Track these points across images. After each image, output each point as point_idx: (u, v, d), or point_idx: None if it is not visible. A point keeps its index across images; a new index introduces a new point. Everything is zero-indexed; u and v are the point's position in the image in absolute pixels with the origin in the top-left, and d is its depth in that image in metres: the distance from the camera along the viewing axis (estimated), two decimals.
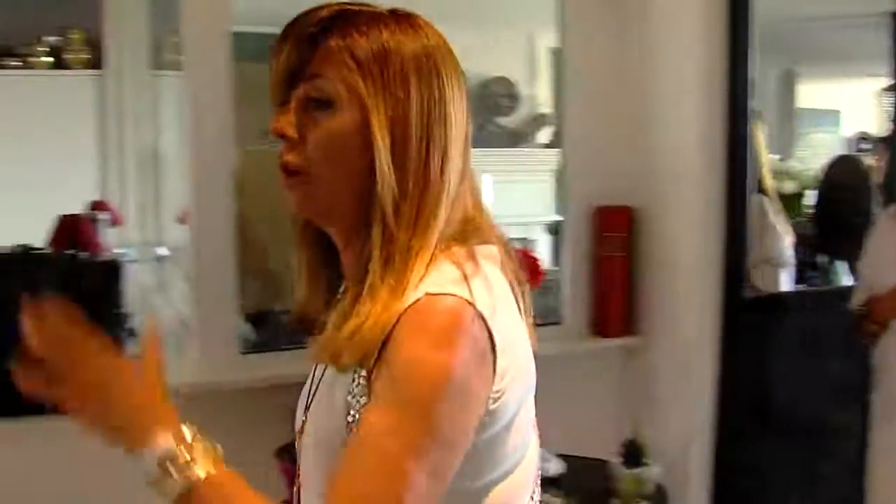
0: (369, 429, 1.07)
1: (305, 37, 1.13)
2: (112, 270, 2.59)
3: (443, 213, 1.14)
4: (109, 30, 4.99)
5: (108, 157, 4.96)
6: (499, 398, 1.11)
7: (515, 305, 1.21)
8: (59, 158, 5.01)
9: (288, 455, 1.94)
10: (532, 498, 1.26)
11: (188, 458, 1.10)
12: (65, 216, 2.93)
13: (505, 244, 1.25)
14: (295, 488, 1.39)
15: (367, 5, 1.19)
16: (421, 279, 1.11)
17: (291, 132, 1.14)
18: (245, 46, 3.13)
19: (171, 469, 1.08)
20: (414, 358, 1.06)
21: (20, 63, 5.20)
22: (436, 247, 1.13)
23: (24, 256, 2.61)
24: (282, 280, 3.43)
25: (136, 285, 3.48)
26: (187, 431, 1.14)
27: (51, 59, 5.24)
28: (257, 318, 3.33)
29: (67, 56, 5.25)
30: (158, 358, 1.21)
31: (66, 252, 2.56)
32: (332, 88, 1.13)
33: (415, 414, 1.05)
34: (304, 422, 1.31)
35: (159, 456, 1.09)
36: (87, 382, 1.15)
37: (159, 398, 1.17)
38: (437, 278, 1.11)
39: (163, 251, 4.15)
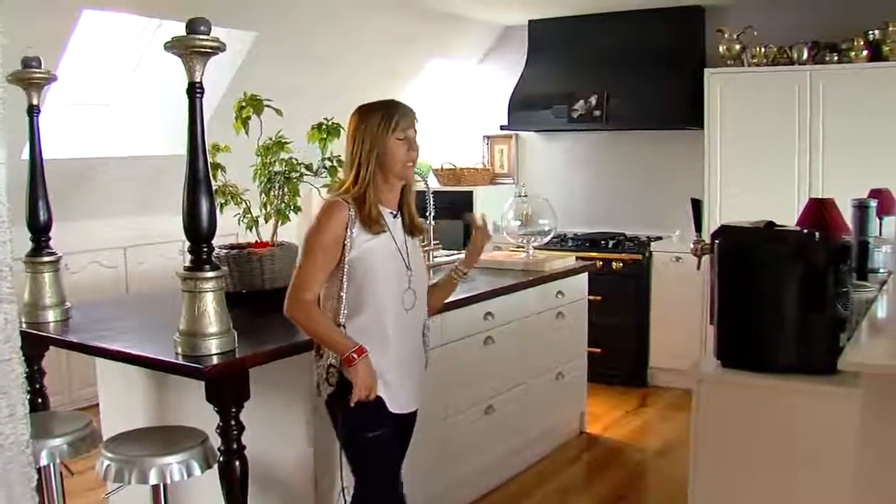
0: None
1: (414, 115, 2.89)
2: (839, 252, 2.73)
3: None
4: None
5: None
6: None
7: None
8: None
9: None
10: None
11: None
12: (814, 199, 3.14)
13: None
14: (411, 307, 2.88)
15: None
16: None
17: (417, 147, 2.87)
18: None
19: None
20: None
21: (837, 57, 5.49)
22: None
23: (763, 231, 2.90)
24: None
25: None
26: None
27: (868, 52, 5.40)
28: None
29: (886, 48, 5.35)
30: None
31: (801, 230, 2.77)
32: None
33: None
34: (409, 267, 2.88)
35: None
36: None
37: None
38: None
39: None
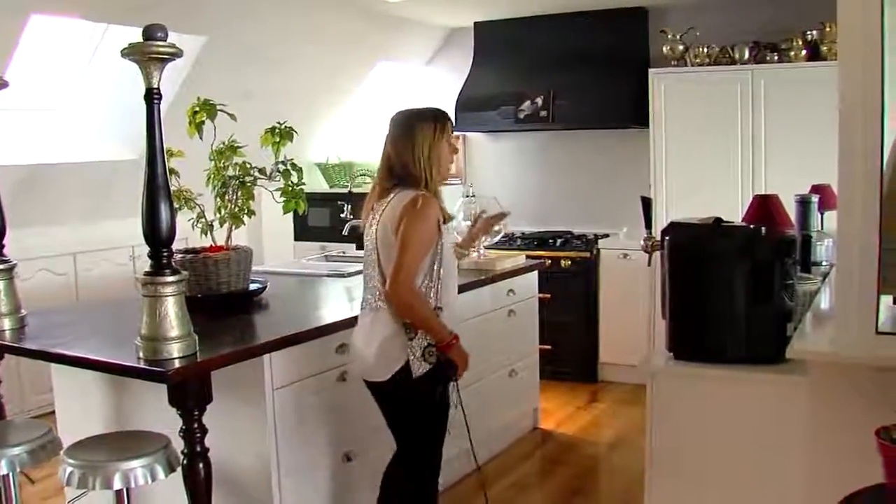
0: None
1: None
2: (784, 246, 2.84)
3: None
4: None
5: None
6: None
7: None
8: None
9: (889, 436, 1.97)
10: None
11: None
12: (758, 196, 3.25)
13: None
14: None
15: None
16: None
17: None
18: None
19: None
20: None
21: (778, 57, 5.66)
22: None
23: (711, 227, 3.00)
24: None
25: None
26: None
27: (806, 52, 5.57)
28: None
29: (824, 48, 5.52)
30: None
31: (748, 226, 2.87)
32: None
33: None
34: None
35: None
36: None
37: None
38: None
39: None
